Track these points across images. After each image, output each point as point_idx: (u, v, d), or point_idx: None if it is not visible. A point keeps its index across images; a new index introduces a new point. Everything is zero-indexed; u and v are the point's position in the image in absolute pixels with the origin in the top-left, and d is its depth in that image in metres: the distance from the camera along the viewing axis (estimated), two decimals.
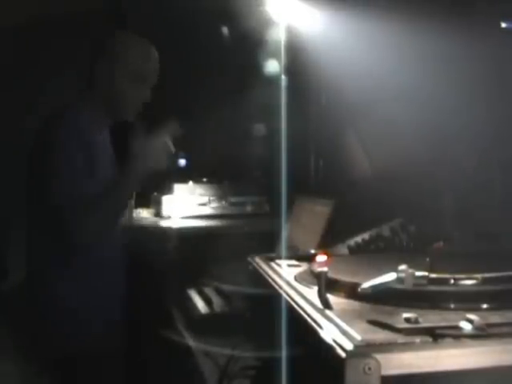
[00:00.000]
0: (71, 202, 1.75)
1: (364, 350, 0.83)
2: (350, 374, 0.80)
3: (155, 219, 3.11)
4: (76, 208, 1.75)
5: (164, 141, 1.87)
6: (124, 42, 1.94)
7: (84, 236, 1.77)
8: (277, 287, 1.26)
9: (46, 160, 1.78)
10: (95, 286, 1.86)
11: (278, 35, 2.42)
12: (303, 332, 0.99)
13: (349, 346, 0.83)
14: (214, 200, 3.15)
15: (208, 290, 2.14)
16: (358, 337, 0.86)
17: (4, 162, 2.92)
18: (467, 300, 1.02)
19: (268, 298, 1.28)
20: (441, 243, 1.60)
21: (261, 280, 1.40)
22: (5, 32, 2.92)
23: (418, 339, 0.86)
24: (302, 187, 2.52)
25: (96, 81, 1.91)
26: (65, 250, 1.81)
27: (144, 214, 3.20)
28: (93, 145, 1.85)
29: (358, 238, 1.71)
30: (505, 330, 0.89)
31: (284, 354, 1.07)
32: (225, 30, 3.30)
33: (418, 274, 1.03)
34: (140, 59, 1.91)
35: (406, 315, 0.92)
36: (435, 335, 0.87)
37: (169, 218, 3.05)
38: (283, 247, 2.01)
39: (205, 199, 3.14)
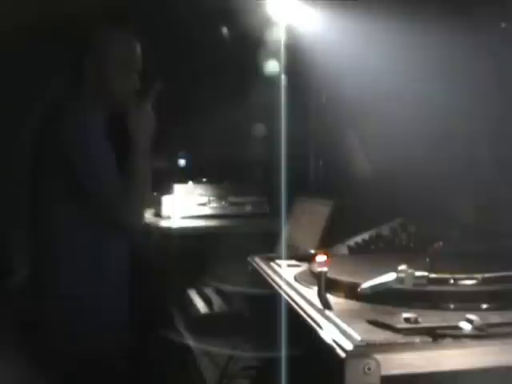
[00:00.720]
0: (116, 188, 1.86)
1: (364, 350, 0.82)
2: (350, 375, 0.80)
3: (155, 219, 3.10)
4: (119, 194, 1.86)
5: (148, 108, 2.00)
6: (107, 33, 2.02)
7: (132, 218, 1.90)
8: (277, 287, 1.26)
9: (81, 156, 1.83)
10: (98, 286, 1.86)
11: (277, 35, 2.42)
12: (303, 332, 0.99)
13: (349, 346, 0.83)
14: (213, 200, 3.15)
15: (208, 290, 2.14)
16: (358, 337, 0.86)
17: (7, 161, 2.92)
18: (467, 300, 1.02)
19: (268, 298, 1.28)
20: (441, 243, 1.59)
21: (261, 280, 1.40)
22: (4, 32, 2.92)
23: (417, 339, 0.86)
24: (301, 187, 2.52)
25: (86, 78, 1.96)
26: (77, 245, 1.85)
27: None
28: (96, 141, 1.88)
29: (358, 238, 1.71)
30: (505, 330, 0.88)
31: (284, 354, 1.07)
32: (225, 30, 3.30)
33: (418, 274, 1.03)
34: (125, 47, 2.00)
35: (405, 315, 0.92)
36: (435, 335, 0.87)
37: (169, 218, 3.05)
38: (283, 247, 2.01)
39: (204, 199, 3.14)
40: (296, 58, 2.42)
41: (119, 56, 1.97)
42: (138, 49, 2.04)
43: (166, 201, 3.09)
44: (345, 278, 1.17)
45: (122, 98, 2.00)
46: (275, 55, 2.46)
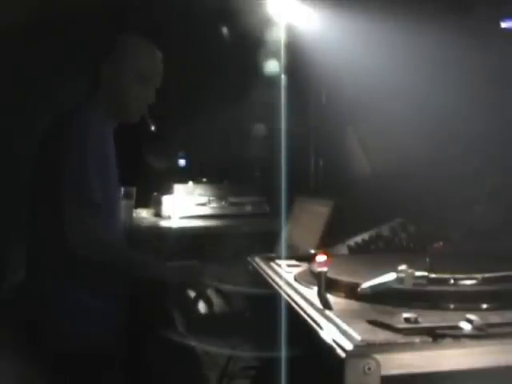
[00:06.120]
0: (87, 205, 1.74)
1: (364, 350, 0.83)
2: (350, 374, 0.80)
3: (155, 219, 3.10)
4: (87, 215, 1.74)
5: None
6: (131, 43, 1.96)
7: (84, 248, 1.76)
8: (277, 287, 1.26)
9: (70, 165, 1.75)
10: (97, 286, 1.86)
11: (277, 35, 2.42)
12: (303, 332, 0.99)
13: (349, 346, 0.83)
14: (213, 200, 3.15)
15: (208, 290, 2.14)
16: (358, 337, 0.86)
17: (5, 163, 2.92)
18: (467, 300, 1.02)
19: (268, 298, 1.28)
20: (441, 243, 1.60)
21: (261, 280, 1.40)
22: (4, 32, 2.92)
23: (417, 339, 0.86)
24: (301, 187, 2.52)
25: (102, 81, 1.92)
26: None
27: (144, 214, 3.20)
28: (104, 147, 1.86)
29: (358, 238, 1.71)
30: (505, 330, 0.89)
31: (284, 354, 1.07)
32: (225, 29, 3.31)
33: (418, 274, 1.03)
34: (147, 60, 1.94)
35: (405, 315, 0.92)
36: (435, 335, 0.87)
37: (169, 217, 3.05)
38: (283, 247, 2.01)
39: (204, 199, 3.14)
40: (296, 57, 2.42)
41: (142, 70, 1.91)
42: (160, 63, 1.97)
43: (166, 201, 3.09)
44: (345, 277, 1.17)
45: (135, 112, 1.96)
46: (275, 55, 2.46)
